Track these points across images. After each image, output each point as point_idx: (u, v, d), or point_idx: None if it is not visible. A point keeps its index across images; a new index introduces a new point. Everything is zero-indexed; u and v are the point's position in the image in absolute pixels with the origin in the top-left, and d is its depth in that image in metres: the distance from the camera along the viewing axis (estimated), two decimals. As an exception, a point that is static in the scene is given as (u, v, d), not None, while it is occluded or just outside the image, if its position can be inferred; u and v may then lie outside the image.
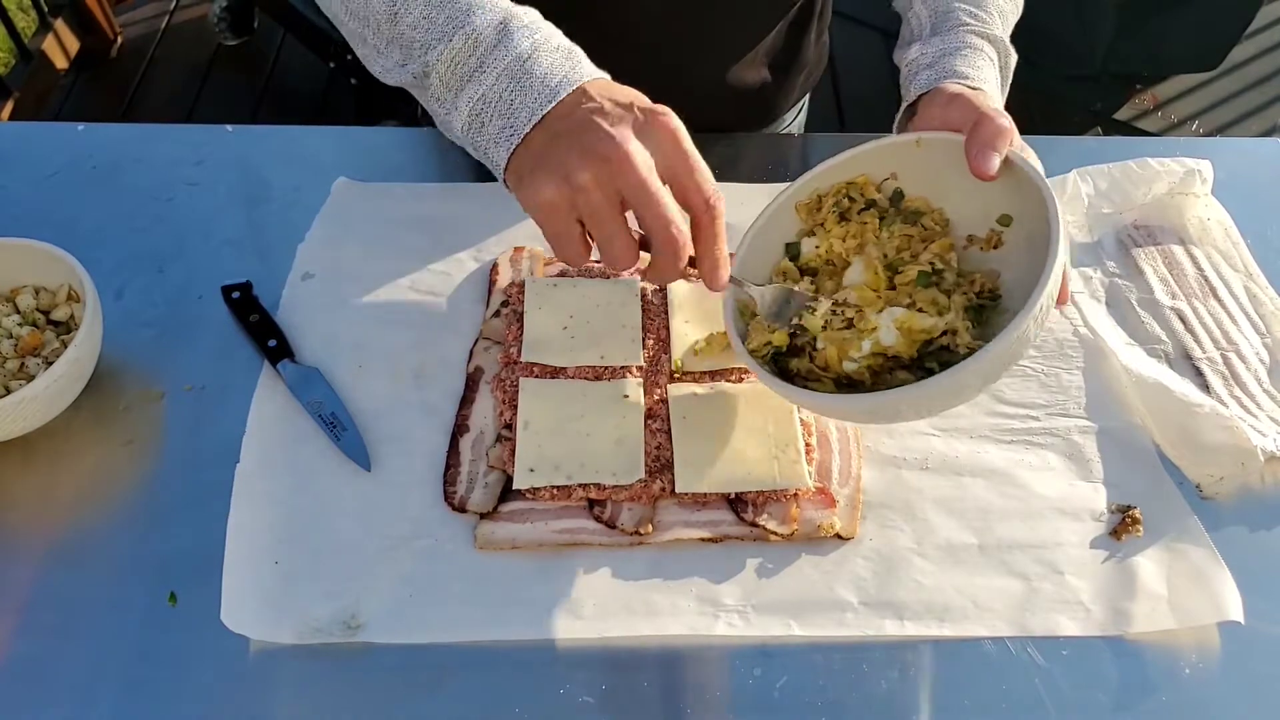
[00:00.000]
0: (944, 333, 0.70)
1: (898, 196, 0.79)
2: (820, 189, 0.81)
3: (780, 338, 0.74)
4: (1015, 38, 0.90)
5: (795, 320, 0.75)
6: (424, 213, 0.97)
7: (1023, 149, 0.73)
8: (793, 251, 0.80)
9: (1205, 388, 0.86)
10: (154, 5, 3.03)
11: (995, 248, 0.76)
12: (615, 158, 0.59)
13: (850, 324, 0.73)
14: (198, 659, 0.69)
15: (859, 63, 2.83)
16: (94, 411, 0.82)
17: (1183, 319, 0.91)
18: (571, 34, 0.67)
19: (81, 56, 2.80)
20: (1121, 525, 0.77)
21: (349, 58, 2.45)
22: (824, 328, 0.73)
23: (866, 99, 2.76)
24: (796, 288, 0.78)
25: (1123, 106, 2.71)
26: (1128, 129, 2.64)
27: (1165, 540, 0.76)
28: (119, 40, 2.87)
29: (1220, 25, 2.62)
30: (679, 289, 0.88)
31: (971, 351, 0.66)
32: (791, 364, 0.75)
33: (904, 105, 0.83)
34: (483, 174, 1.01)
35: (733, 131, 1.09)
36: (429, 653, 0.70)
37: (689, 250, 0.63)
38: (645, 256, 0.65)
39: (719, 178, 1.00)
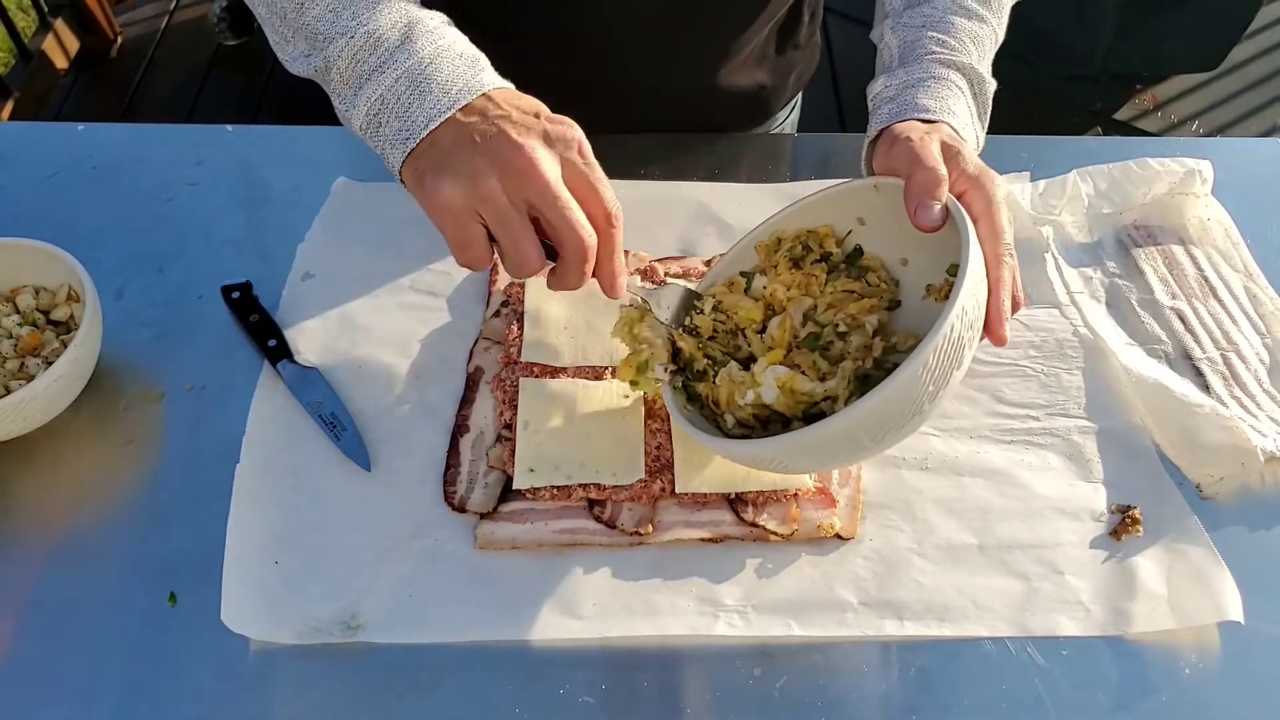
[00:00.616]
0: (826, 399, 0.69)
1: (856, 253, 0.77)
2: (782, 232, 0.79)
3: (687, 348, 0.75)
4: (1014, 38, 0.90)
5: (688, 320, 0.77)
6: (424, 212, 0.97)
7: (992, 182, 0.69)
8: (746, 284, 0.79)
9: (1205, 388, 0.86)
10: (154, 5, 3.03)
11: (946, 297, 0.69)
12: (523, 165, 0.60)
13: (746, 361, 0.74)
14: (198, 659, 0.69)
15: (858, 62, 2.83)
16: (94, 411, 0.82)
17: (1183, 319, 0.91)
18: (556, 38, 0.67)
19: (81, 56, 2.80)
20: (1121, 525, 0.77)
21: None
22: (711, 363, 0.75)
23: (865, 98, 2.76)
24: (692, 286, 0.79)
25: (1123, 106, 2.71)
26: (1128, 129, 2.64)
27: (1165, 540, 0.76)
28: (119, 40, 2.88)
29: (1220, 25, 2.62)
30: (677, 289, 0.88)
31: None
32: (699, 388, 0.75)
33: (866, 141, 0.79)
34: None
35: (725, 132, 1.09)
36: (429, 653, 0.70)
37: (595, 257, 0.64)
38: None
39: (713, 178, 1.01)
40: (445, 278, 0.92)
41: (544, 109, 0.64)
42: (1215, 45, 2.68)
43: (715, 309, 0.78)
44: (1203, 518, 0.77)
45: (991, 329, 0.66)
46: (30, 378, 0.78)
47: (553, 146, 0.62)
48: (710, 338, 0.77)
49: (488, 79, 0.65)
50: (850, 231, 0.78)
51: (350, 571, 0.73)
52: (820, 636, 0.71)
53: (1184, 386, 0.83)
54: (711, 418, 0.75)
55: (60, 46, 2.73)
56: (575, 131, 0.63)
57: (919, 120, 0.74)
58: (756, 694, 0.68)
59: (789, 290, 0.77)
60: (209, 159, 1.03)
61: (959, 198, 0.69)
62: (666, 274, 0.90)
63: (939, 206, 0.67)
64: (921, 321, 0.73)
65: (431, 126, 0.63)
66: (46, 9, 2.71)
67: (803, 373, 0.71)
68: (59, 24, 2.72)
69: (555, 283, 0.67)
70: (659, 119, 1.05)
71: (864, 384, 0.69)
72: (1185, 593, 0.73)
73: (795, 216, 0.79)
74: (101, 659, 0.69)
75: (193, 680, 0.68)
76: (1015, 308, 0.69)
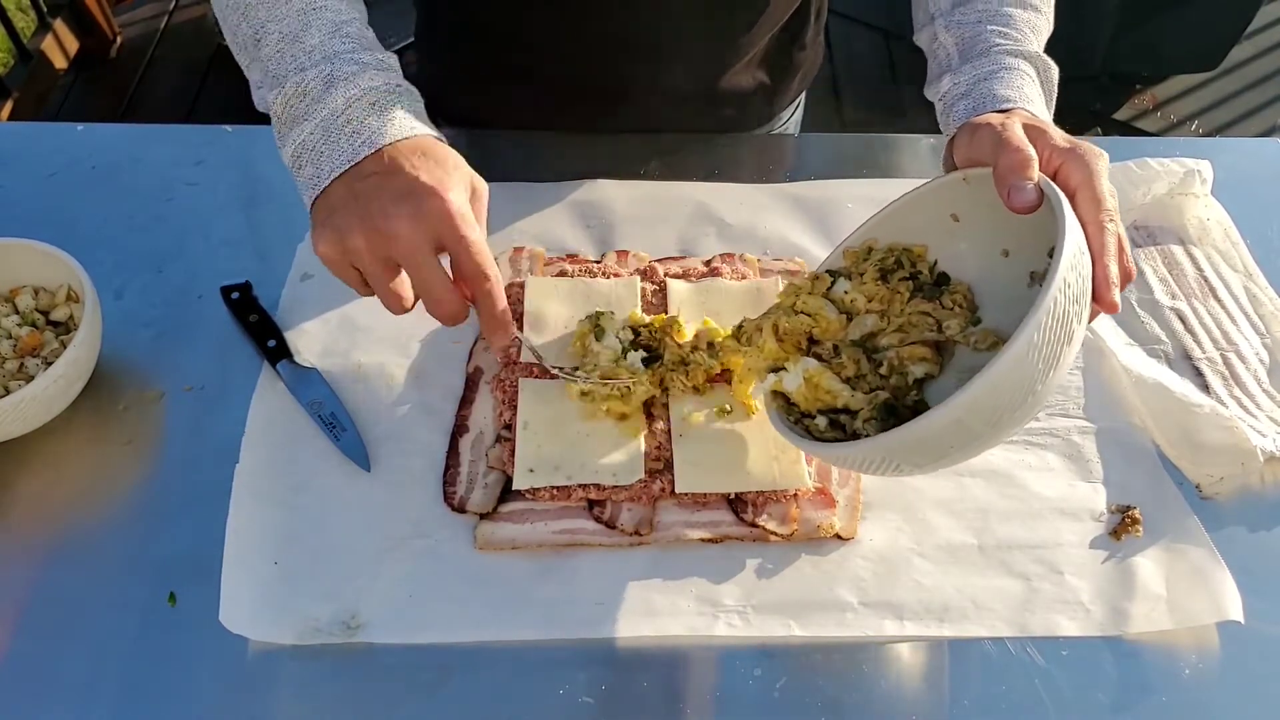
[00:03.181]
0: (846, 410, 0.70)
1: (942, 278, 0.76)
2: (874, 240, 0.78)
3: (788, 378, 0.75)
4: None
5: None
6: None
7: (1089, 152, 0.67)
8: (830, 281, 0.78)
9: (1205, 388, 0.86)
10: (153, 5, 3.03)
11: None
12: (385, 230, 0.62)
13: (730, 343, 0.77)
14: (198, 659, 0.69)
15: (859, 62, 2.83)
16: (93, 412, 0.82)
17: (1182, 319, 0.91)
18: (561, 41, 0.67)
19: (81, 57, 2.80)
20: (1121, 525, 0.77)
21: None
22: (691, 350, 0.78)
23: (866, 99, 2.77)
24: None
25: (1123, 106, 2.71)
26: (1127, 129, 2.65)
27: (1165, 540, 0.76)
28: (118, 40, 2.87)
29: (1220, 25, 2.62)
30: (678, 289, 0.88)
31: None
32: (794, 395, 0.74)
33: (946, 140, 0.78)
34: (481, 173, 1.01)
35: (728, 132, 1.09)
36: (429, 653, 0.70)
37: (463, 313, 0.65)
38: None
39: (713, 178, 1.01)
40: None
41: (433, 169, 0.64)
42: (1215, 45, 2.68)
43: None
44: (1202, 518, 0.77)
45: (1100, 297, 0.64)
46: (30, 378, 0.78)
47: (421, 214, 0.62)
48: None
49: (394, 130, 0.65)
50: (937, 260, 0.77)
51: (350, 571, 0.73)
52: (820, 637, 0.71)
53: (1184, 387, 0.83)
54: (799, 424, 0.74)
55: (59, 47, 2.73)
56: (448, 203, 0.62)
57: (996, 111, 0.74)
58: (756, 694, 0.68)
59: (869, 302, 0.76)
60: (208, 159, 1.03)
61: (1054, 175, 0.67)
62: (666, 273, 0.90)
63: (1031, 185, 0.65)
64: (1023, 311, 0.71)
65: (334, 175, 0.65)
66: (46, 9, 2.71)
67: (835, 374, 0.71)
68: (58, 24, 2.72)
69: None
70: (664, 119, 1.05)
71: (888, 412, 0.69)
72: (1185, 593, 0.73)
73: (890, 220, 0.77)
74: (101, 659, 0.69)
75: (192, 680, 0.68)
76: (1126, 278, 0.66)
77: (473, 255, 0.63)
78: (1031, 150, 0.66)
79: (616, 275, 0.89)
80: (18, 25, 2.59)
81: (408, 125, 0.66)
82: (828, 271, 0.78)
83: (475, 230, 0.64)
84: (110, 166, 1.02)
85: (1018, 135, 0.68)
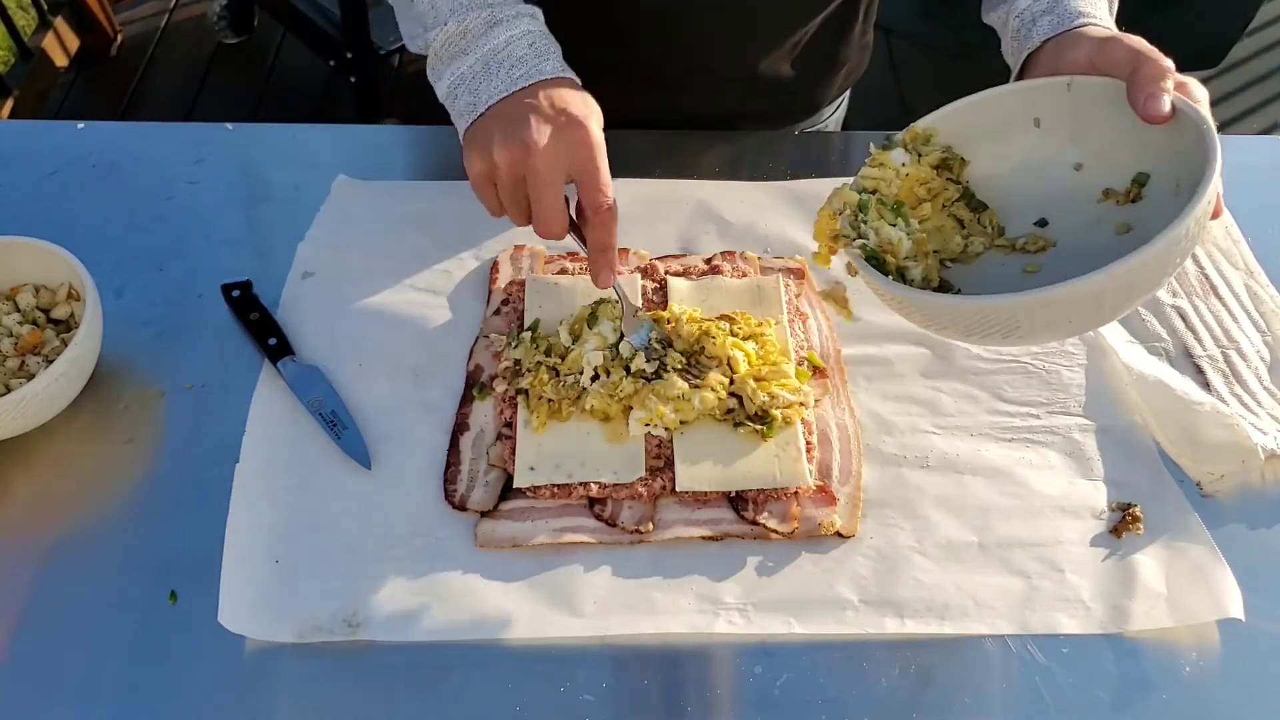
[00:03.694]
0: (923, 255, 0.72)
1: (978, 205, 0.77)
2: (934, 131, 0.77)
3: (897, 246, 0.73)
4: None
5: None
6: (424, 211, 0.97)
7: (1198, 85, 0.70)
8: (889, 145, 0.77)
9: (1206, 385, 0.86)
10: (154, 4, 3.02)
11: (1133, 201, 0.72)
12: (528, 148, 0.70)
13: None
14: (198, 658, 0.69)
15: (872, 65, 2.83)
16: (94, 410, 0.82)
17: (1183, 317, 0.91)
18: (603, 23, 0.74)
19: (81, 55, 2.80)
20: (1122, 523, 0.77)
21: (348, 56, 2.45)
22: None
23: (866, 98, 2.76)
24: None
25: (1123, 104, 2.71)
26: (1128, 127, 2.64)
27: (1165, 538, 0.76)
28: (119, 39, 2.87)
29: (1220, 23, 2.61)
30: (679, 286, 0.88)
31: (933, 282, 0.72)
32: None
33: (1024, 54, 0.80)
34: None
35: (771, 123, 1.09)
36: (429, 651, 0.70)
37: (560, 236, 0.75)
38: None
39: (718, 175, 1.01)
40: (445, 276, 0.92)
41: (575, 105, 0.72)
42: (1216, 43, 2.67)
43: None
44: (1203, 515, 0.77)
45: (1216, 211, 0.66)
46: (30, 376, 0.78)
47: (562, 140, 0.71)
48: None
49: (548, 68, 0.75)
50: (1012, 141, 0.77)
51: (350, 570, 0.73)
52: (821, 634, 0.71)
53: (1184, 384, 0.83)
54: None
55: (60, 45, 2.73)
56: (589, 133, 0.71)
57: (1093, 24, 0.77)
58: (757, 692, 0.68)
59: (915, 187, 0.77)
60: (209, 157, 1.03)
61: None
62: (667, 271, 0.90)
63: (1168, 97, 0.66)
64: (1094, 225, 0.73)
65: (491, 103, 0.74)
66: (46, 7, 2.71)
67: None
68: (59, 22, 2.72)
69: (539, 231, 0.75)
70: (699, 107, 1.05)
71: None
72: (1185, 590, 0.73)
73: (968, 110, 0.76)
74: (102, 658, 0.69)
75: (193, 678, 0.68)
76: (1216, 213, 0.67)
77: (601, 185, 0.72)
78: (1170, 63, 0.68)
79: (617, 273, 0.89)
80: (18, 23, 2.59)
81: (559, 66, 0.76)
82: (888, 138, 0.78)
83: (606, 163, 0.73)
84: (111, 165, 1.02)
85: (1152, 48, 0.70)
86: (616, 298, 0.82)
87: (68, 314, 0.83)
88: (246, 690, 0.68)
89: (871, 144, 0.77)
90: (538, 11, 0.79)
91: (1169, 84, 0.67)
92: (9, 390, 0.76)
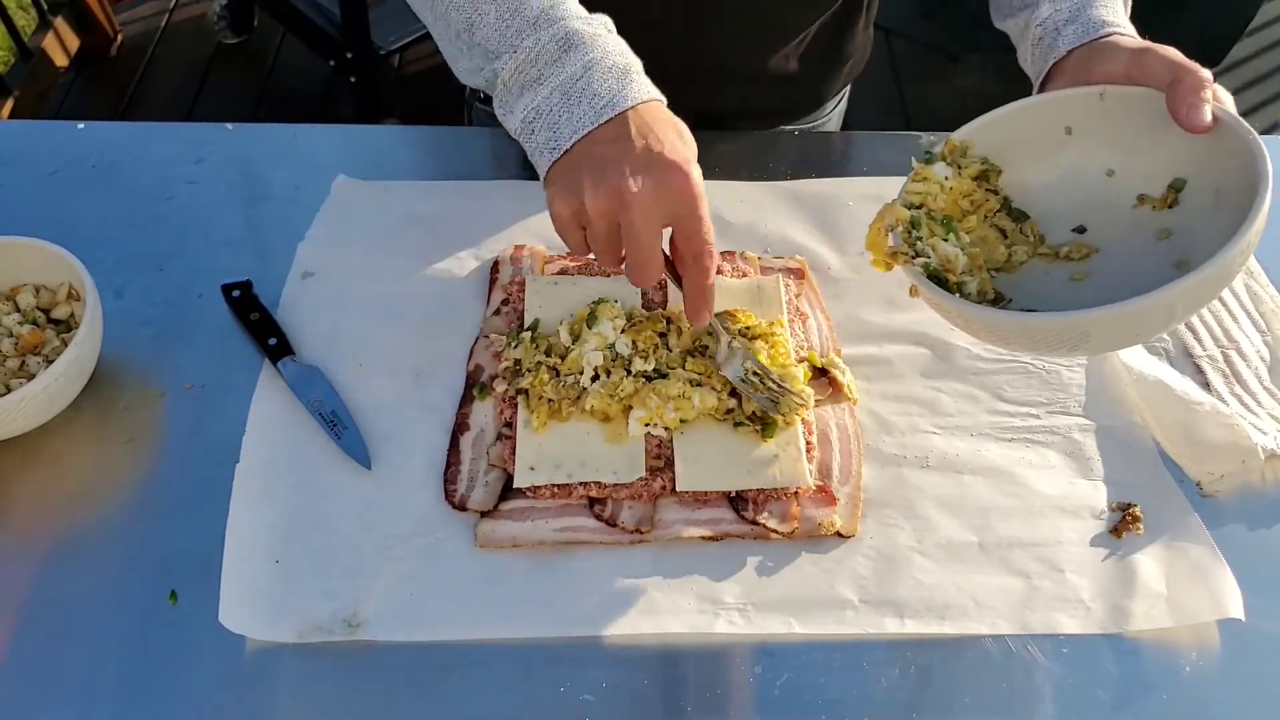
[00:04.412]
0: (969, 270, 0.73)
1: (1020, 214, 0.78)
2: (971, 143, 0.78)
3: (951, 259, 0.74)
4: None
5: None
6: (424, 210, 0.97)
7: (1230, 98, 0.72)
8: (930, 159, 0.78)
9: (1206, 385, 0.86)
10: (154, 4, 3.02)
11: (1170, 207, 0.73)
12: (624, 198, 0.65)
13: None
14: (198, 658, 0.69)
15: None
16: (94, 410, 0.82)
17: (1183, 317, 0.91)
18: (614, 19, 0.71)
19: (81, 55, 2.80)
20: (1122, 523, 0.77)
21: (349, 56, 2.45)
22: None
23: (866, 98, 2.76)
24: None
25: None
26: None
27: (1165, 538, 0.76)
28: (119, 39, 2.87)
29: (1220, 23, 2.62)
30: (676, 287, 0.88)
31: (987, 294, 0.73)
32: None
33: (1050, 62, 0.80)
34: (483, 172, 1.01)
35: (775, 117, 1.09)
36: (430, 651, 0.70)
37: (653, 285, 0.72)
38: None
39: (716, 175, 1.01)
40: (445, 276, 0.92)
41: (671, 141, 0.68)
42: (1216, 42, 2.68)
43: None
44: (1203, 515, 0.77)
45: None
46: (31, 376, 0.78)
47: (662, 185, 0.66)
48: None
49: (634, 92, 0.69)
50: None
51: (350, 570, 0.73)
52: (821, 634, 0.71)
53: (1184, 384, 0.83)
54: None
55: (60, 45, 2.73)
56: (690, 179, 0.67)
57: (1119, 34, 0.77)
58: (757, 692, 0.68)
59: (959, 200, 0.78)
60: (209, 157, 1.03)
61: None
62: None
63: (1209, 107, 0.67)
64: (1132, 231, 0.74)
65: (574, 139, 0.68)
66: (46, 7, 2.71)
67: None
68: (59, 22, 2.72)
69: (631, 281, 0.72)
70: (706, 104, 1.06)
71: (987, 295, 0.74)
72: (1185, 590, 0.73)
73: (1001, 122, 0.77)
74: (102, 658, 0.69)
75: (193, 678, 0.68)
76: None
77: (704, 234, 0.69)
78: (1207, 73, 0.69)
79: (617, 273, 0.89)
80: (18, 23, 2.59)
81: (644, 89, 0.70)
82: (925, 151, 0.79)
83: (707, 210, 0.69)
84: (111, 165, 1.02)
85: (1187, 60, 0.70)
86: (710, 331, 0.80)
87: (68, 314, 0.83)
88: (246, 690, 0.68)
89: (913, 158, 0.78)
90: (609, 23, 0.73)
91: (1209, 94, 0.68)
92: (9, 390, 0.76)
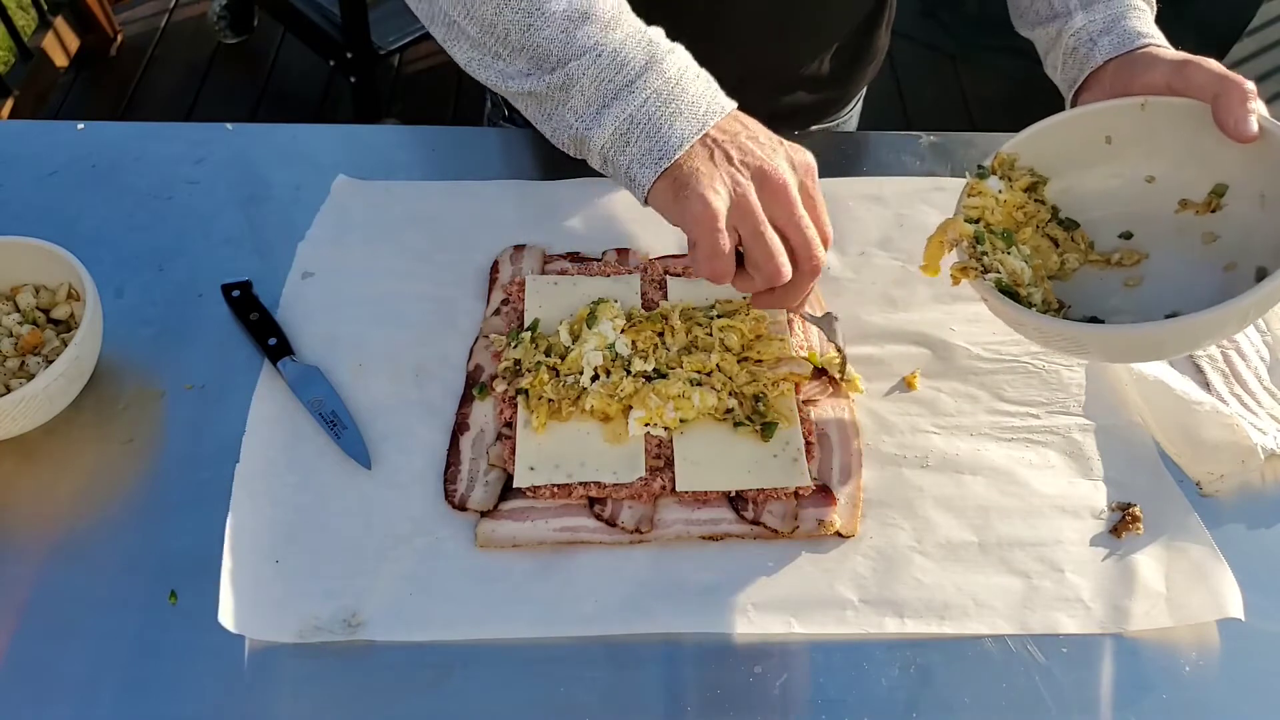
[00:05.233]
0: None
1: (1070, 223, 0.80)
2: (1017, 155, 0.79)
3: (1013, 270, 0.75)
4: (1015, 35, 0.90)
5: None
6: (424, 210, 0.97)
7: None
8: (983, 173, 0.79)
9: (1205, 385, 0.86)
10: (154, 4, 3.03)
11: (1213, 211, 0.75)
12: (778, 184, 0.66)
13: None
14: (198, 658, 0.69)
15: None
16: (94, 410, 0.82)
17: (1183, 317, 0.91)
18: (659, 23, 0.70)
19: (81, 55, 2.80)
20: (1121, 523, 0.77)
21: (348, 56, 2.45)
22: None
23: (865, 98, 2.76)
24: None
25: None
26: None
27: (1165, 538, 0.76)
28: (119, 39, 2.87)
29: (1221, 23, 2.62)
30: (676, 286, 0.88)
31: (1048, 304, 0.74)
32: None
33: (1084, 72, 0.81)
34: (483, 172, 1.01)
35: (805, 118, 1.10)
36: (430, 651, 0.70)
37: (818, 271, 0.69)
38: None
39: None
40: (445, 276, 0.92)
41: (772, 135, 0.69)
42: (1215, 42, 2.67)
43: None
44: (1203, 515, 0.77)
45: None
46: (30, 376, 0.78)
47: (795, 170, 0.67)
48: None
49: (725, 99, 0.69)
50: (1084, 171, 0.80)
51: (350, 570, 0.73)
52: (820, 634, 0.71)
53: (1184, 384, 0.83)
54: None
55: (60, 45, 2.73)
56: (810, 158, 0.69)
57: (1155, 45, 0.78)
58: (757, 692, 0.68)
59: (1013, 211, 0.79)
60: (209, 157, 1.03)
61: None
62: (667, 271, 0.90)
63: (1255, 117, 0.69)
64: (1178, 235, 0.76)
65: (686, 145, 0.66)
66: (46, 7, 2.71)
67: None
68: (59, 22, 2.72)
69: (771, 301, 0.71)
70: (745, 108, 1.06)
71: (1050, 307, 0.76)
72: (1185, 590, 0.73)
73: (1045, 134, 0.79)
74: (102, 658, 0.69)
75: (193, 678, 0.68)
76: None
77: (826, 237, 0.69)
78: (1251, 84, 0.70)
79: (617, 273, 0.89)
80: (18, 23, 2.59)
81: (728, 98, 0.69)
82: (978, 165, 0.80)
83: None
84: (111, 165, 1.02)
85: (1229, 71, 0.71)
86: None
87: (68, 314, 0.83)
88: (246, 690, 0.68)
89: (967, 173, 0.79)
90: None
91: (1254, 104, 0.69)
92: (9, 390, 0.76)
